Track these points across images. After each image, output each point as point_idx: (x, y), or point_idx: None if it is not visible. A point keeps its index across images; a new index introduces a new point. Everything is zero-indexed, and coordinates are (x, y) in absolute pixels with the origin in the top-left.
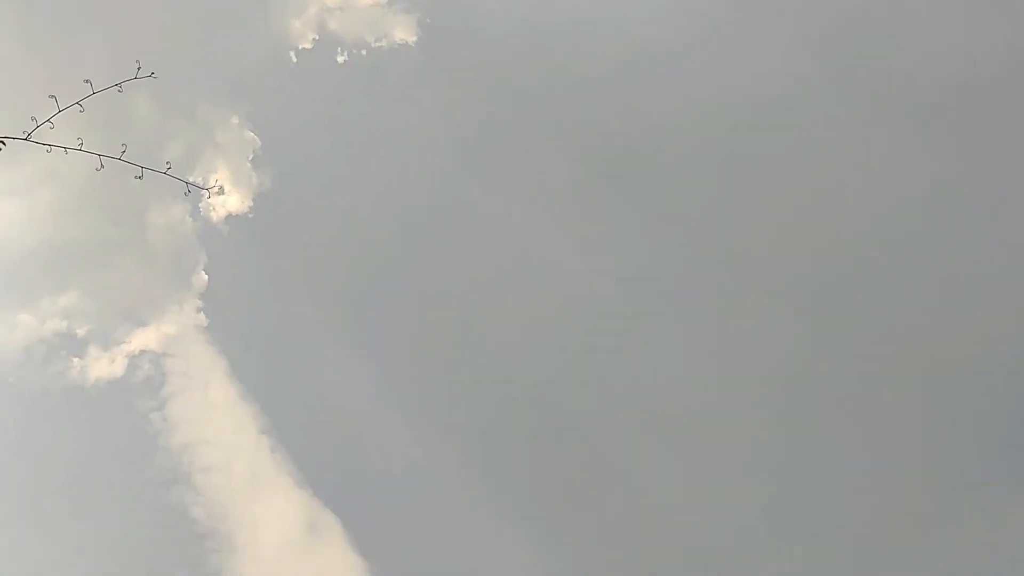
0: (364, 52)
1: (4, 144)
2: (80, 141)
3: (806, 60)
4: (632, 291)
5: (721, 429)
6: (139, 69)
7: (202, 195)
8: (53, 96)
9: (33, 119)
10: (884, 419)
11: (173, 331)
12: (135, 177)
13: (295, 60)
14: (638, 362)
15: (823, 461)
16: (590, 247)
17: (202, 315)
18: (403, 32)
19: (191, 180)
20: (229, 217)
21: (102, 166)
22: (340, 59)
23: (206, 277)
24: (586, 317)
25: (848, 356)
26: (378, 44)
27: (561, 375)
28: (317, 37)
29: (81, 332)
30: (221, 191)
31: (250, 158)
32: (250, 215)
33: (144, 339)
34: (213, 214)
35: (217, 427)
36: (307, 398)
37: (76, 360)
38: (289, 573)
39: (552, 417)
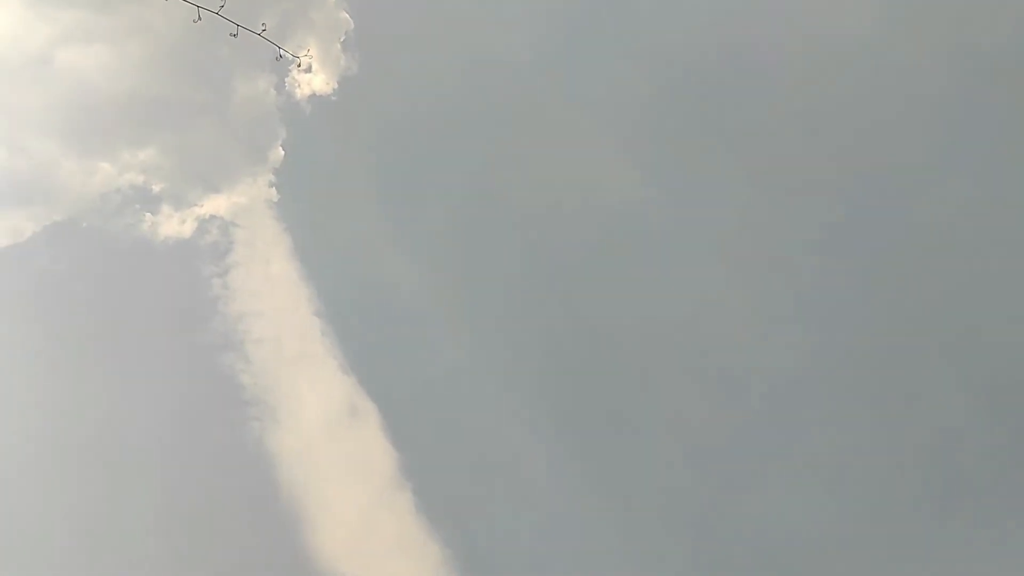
0: None
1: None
2: None
3: None
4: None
5: None
6: None
7: (288, 70)
8: None
9: None
10: None
11: (244, 201)
12: (230, 34)
13: None
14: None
15: None
16: None
17: (274, 190)
18: None
19: (283, 49)
20: (312, 97)
21: (199, 18)
22: None
23: (282, 153)
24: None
25: None
26: None
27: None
28: None
29: (156, 189)
30: (310, 66)
31: (341, 39)
32: (333, 97)
33: (215, 205)
34: (298, 91)
35: (273, 302)
36: (364, 288)
37: (148, 215)
38: (324, 450)
39: (594, 312)
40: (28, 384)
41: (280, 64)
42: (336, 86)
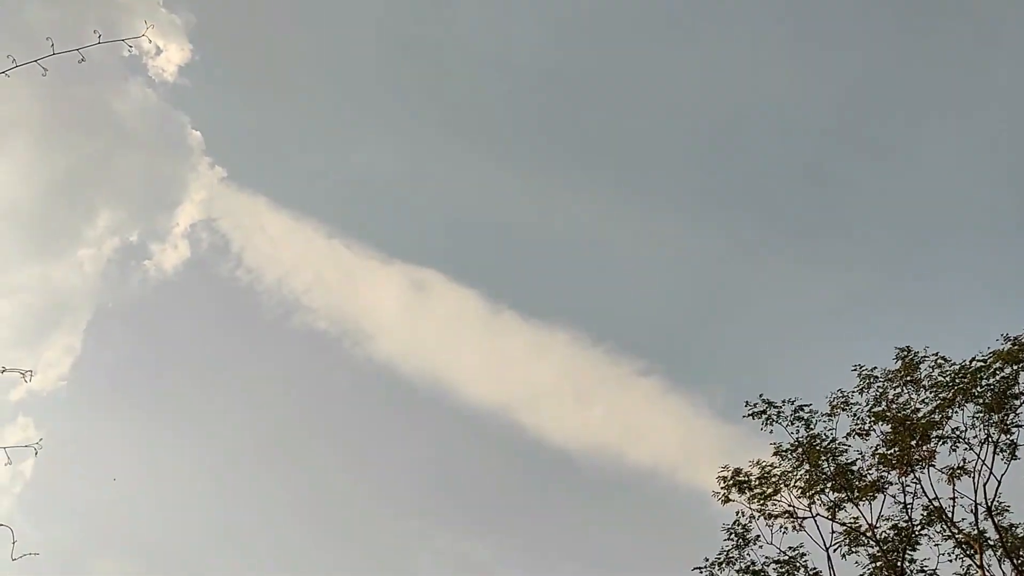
0: None
1: None
2: None
3: None
4: None
5: None
6: None
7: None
8: None
9: None
10: None
11: (204, 195)
12: None
13: None
14: None
15: None
16: None
17: (218, 168)
18: None
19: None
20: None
21: None
22: None
23: (198, 134)
24: None
25: None
26: None
27: None
28: None
29: (134, 238)
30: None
31: None
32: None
33: (187, 214)
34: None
35: (293, 252)
36: (347, 184)
37: (147, 262)
38: (420, 330)
39: None
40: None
41: None
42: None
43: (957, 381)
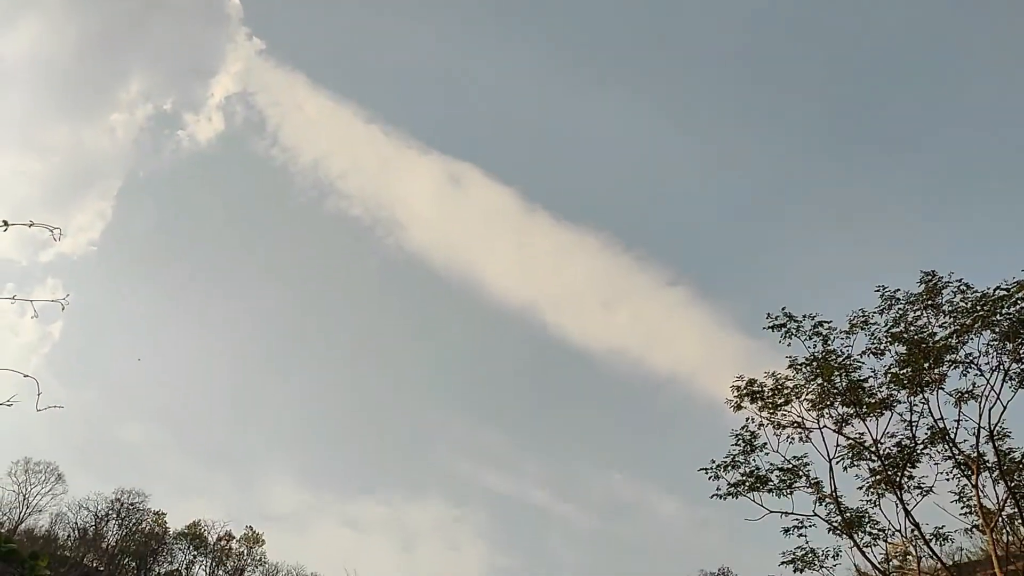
0: None
1: None
2: None
3: None
4: None
5: None
6: None
7: None
8: None
9: None
10: None
11: (240, 67)
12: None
13: None
14: None
15: None
16: None
17: (256, 40)
18: None
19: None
20: None
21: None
22: None
23: (236, 2)
24: None
25: None
26: None
27: None
28: None
29: (168, 106)
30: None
31: None
32: None
33: (222, 86)
34: None
35: (330, 134)
36: (389, 69)
37: (180, 132)
38: (453, 224)
39: None
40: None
41: None
42: None
43: (977, 308)
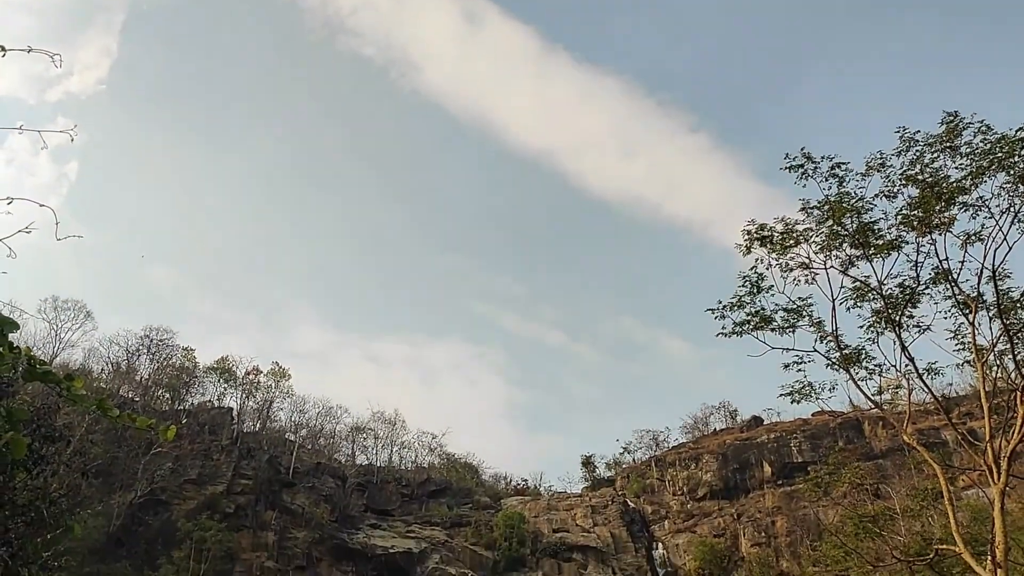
0: None
1: None
2: None
3: None
4: None
5: None
6: None
7: None
8: None
9: None
10: None
11: None
12: None
13: None
14: None
15: None
16: None
17: None
18: None
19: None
20: None
21: None
22: None
23: None
24: None
25: None
26: None
27: None
28: None
29: None
30: None
31: None
32: None
33: None
34: None
35: None
36: None
37: None
38: (470, 65)
39: None
40: None
41: None
42: None
43: (996, 149)
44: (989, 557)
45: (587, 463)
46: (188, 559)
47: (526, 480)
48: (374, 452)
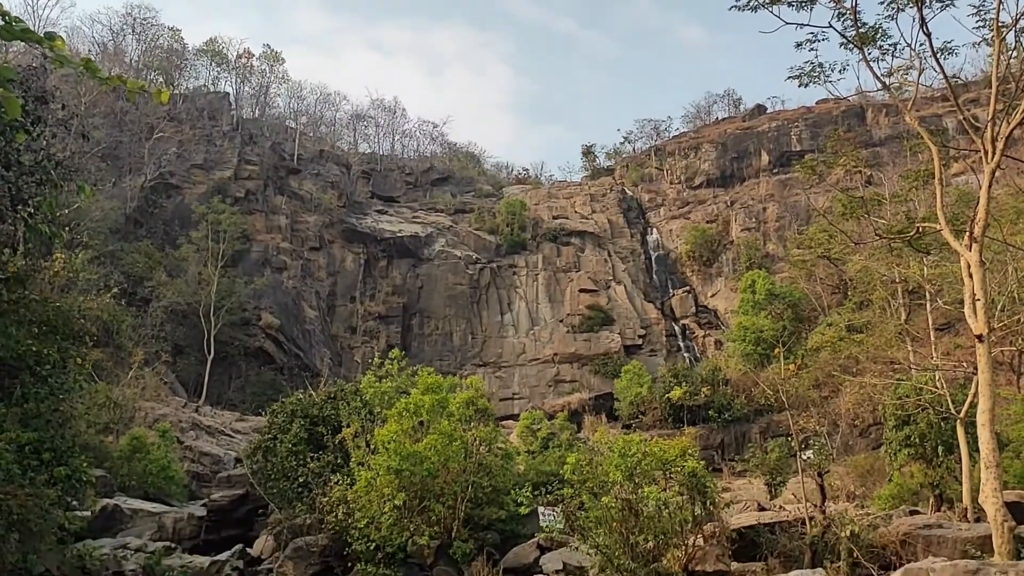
0: None
1: None
2: None
3: None
4: None
5: None
6: None
7: None
8: None
9: None
10: None
11: None
12: None
13: None
14: None
15: None
16: None
17: None
18: None
19: None
20: None
21: None
22: None
23: None
24: None
25: None
26: None
27: None
28: None
29: None
30: None
31: None
32: None
33: None
34: None
35: None
36: None
37: None
38: None
39: None
40: None
41: None
42: None
43: None
44: (967, 233)
45: (587, 153)
46: (206, 239)
47: (527, 170)
48: (376, 141)
